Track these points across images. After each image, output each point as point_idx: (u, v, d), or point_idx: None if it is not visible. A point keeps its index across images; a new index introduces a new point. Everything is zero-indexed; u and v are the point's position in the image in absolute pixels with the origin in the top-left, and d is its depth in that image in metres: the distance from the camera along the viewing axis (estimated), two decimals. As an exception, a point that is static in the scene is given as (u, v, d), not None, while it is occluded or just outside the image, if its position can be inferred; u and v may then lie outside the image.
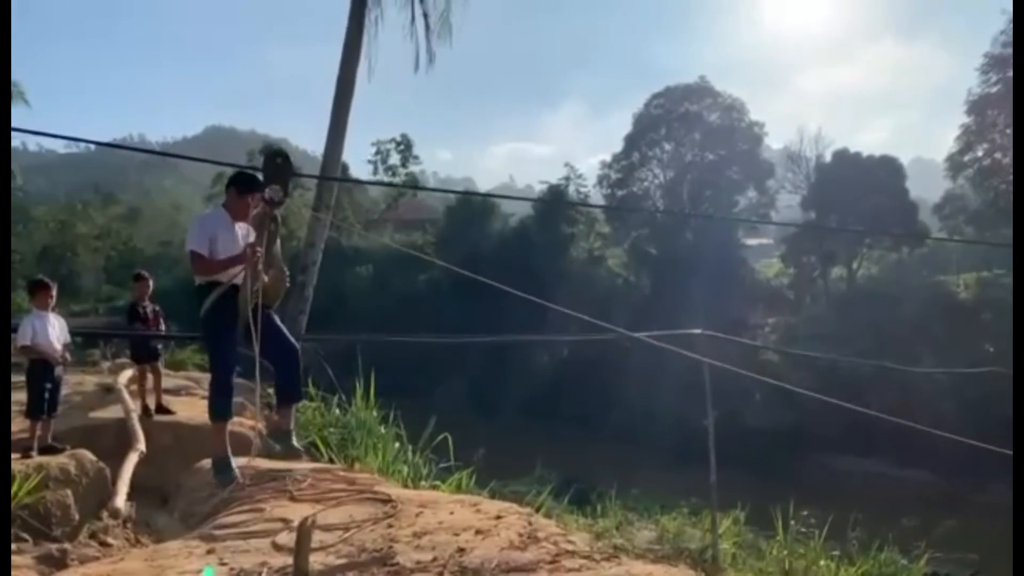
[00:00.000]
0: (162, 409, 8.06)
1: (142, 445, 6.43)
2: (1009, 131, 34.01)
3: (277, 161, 4.83)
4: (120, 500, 5.21)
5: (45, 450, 6.25)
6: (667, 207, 44.00)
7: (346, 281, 39.27)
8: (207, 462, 4.93)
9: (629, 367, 30.50)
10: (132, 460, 5.98)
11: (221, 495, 4.45)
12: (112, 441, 6.92)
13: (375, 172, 48.50)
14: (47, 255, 47.26)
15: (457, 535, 3.46)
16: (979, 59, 36.69)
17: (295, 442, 4.90)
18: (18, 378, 6.47)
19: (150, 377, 8.27)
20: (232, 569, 3.22)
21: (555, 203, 41.58)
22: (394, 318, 33.41)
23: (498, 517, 3.74)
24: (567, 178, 44.50)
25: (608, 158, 46.31)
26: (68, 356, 6.69)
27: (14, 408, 6.34)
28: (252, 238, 4.64)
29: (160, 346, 8.91)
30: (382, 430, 6.63)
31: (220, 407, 4.67)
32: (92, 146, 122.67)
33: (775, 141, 48.15)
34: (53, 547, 5.19)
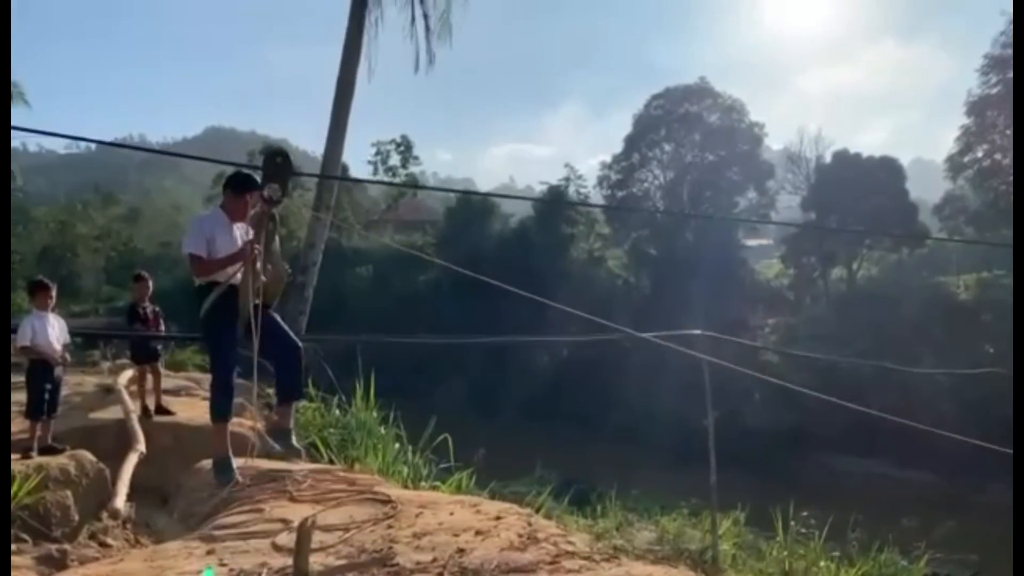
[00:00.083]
0: (162, 410, 8.06)
1: (142, 446, 6.43)
2: (1009, 132, 34.03)
3: (277, 160, 4.83)
4: (120, 501, 5.21)
5: (45, 451, 6.24)
6: (667, 208, 44.03)
7: (346, 282, 39.29)
8: (207, 463, 4.93)
9: (629, 367, 30.52)
10: (132, 461, 5.98)
11: (221, 495, 4.45)
12: (112, 442, 6.91)
13: (375, 173, 48.51)
14: (47, 256, 47.25)
15: (457, 536, 3.46)
16: (979, 60, 36.78)
17: (295, 442, 4.89)
18: (18, 379, 6.47)
19: (150, 378, 8.27)
20: (232, 570, 3.22)
21: (555, 204, 41.58)
22: (394, 319, 33.43)
23: (498, 518, 3.74)
24: (567, 179, 44.59)
25: (608, 159, 46.43)
26: (68, 357, 6.69)
27: (14, 409, 6.34)
28: (251, 237, 4.64)
29: (160, 347, 8.91)
30: (382, 431, 6.63)
31: (221, 407, 4.67)
32: (92, 147, 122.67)
33: (775, 142, 48.27)
34: (53, 548, 5.18)
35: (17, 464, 5.67)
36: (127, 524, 6.20)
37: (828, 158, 42.17)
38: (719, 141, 42.95)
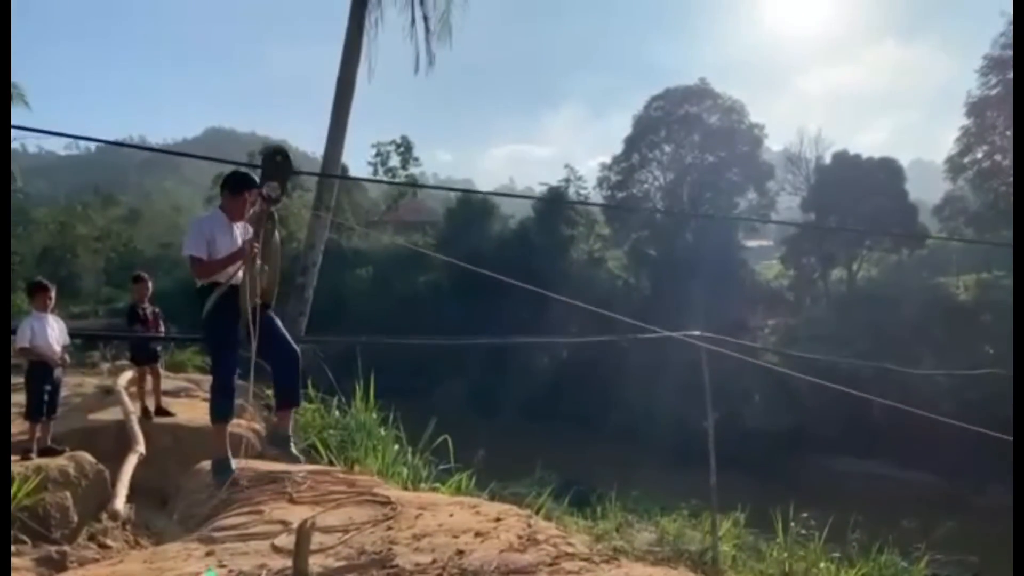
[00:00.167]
0: (161, 411, 8.06)
1: (141, 447, 6.43)
2: (1009, 133, 34.05)
3: (276, 159, 4.82)
4: (119, 502, 5.21)
5: (44, 452, 6.24)
6: (667, 209, 44.04)
7: (346, 283, 39.30)
8: (207, 464, 4.93)
9: (629, 368, 30.54)
10: (131, 462, 5.98)
11: (220, 497, 4.44)
12: (111, 443, 6.92)
13: (375, 174, 48.54)
14: (47, 257, 47.24)
15: (456, 537, 3.46)
16: (979, 61, 36.78)
17: (294, 449, 4.89)
18: (17, 380, 6.47)
19: (149, 379, 8.27)
20: (231, 571, 3.22)
21: (555, 204, 41.59)
22: (394, 319, 33.42)
23: (498, 519, 3.73)
24: (567, 180, 44.64)
25: (608, 160, 46.42)
26: (67, 358, 6.69)
27: (13, 410, 6.34)
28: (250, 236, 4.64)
29: (160, 348, 8.91)
30: (382, 432, 6.63)
31: (221, 408, 4.67)
32: (92, 148, 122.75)
33: (775, 143, 48.28)
34: (52, 549, 5.18)
35: (16, 465, 5.67)
36: (126, 525, 6.21)
37: (828, 159, 42.22)
38: (719, 142, 42.97)
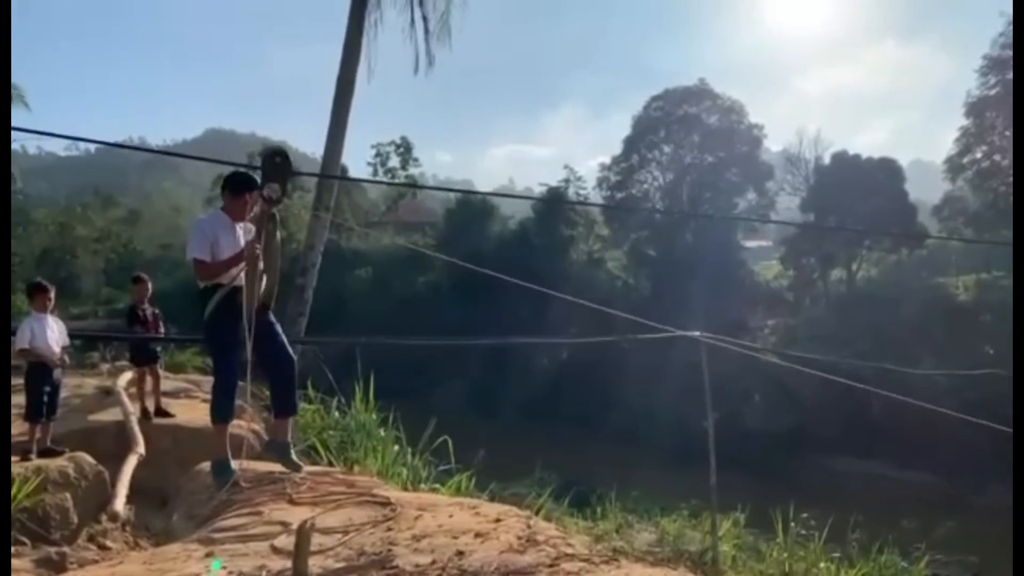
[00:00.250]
0: (161, 412, 8.06)
1: (141, 448, 6.43)
2: (1008, 133, 34.08)
3: (276, 160, 4.82)
4: (119, 503, 5.21)
5: (44, 453, 6.24)
6: (666, 210, 44.05)
7: (346, 283, 39.31)
8: (206, 465, 4.93)
9: (629, 368, 30.55)
10: (131, 463, 5.98)
11: (220, 497, 4.44)
12: (111, 444, 6.92)
13: (375, 174, 48.57)
14: (46, 258, 47.25)
15: (456, 538, 3.46)
16: (978, 61, 36.79)
17: (294, 456, 4.90)
18: (17, 381, 6.47)
19: (149, 380, 8.27)
20: (231, 572, 3.22)
21: (555, 205, 41.60)
22: (394, 320, 33.44)
23: (497, 520, 3.74)
24: (566, 180, 44.63)
25: (608, 160, 46.44)
26: (67, 359, 6.69)
27: (13, 411, 6.33)
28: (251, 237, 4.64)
29: (159, 349, 8.91)
30: (381, 432, 6.62)
31: (221, 409, 4.67)
32: (92, 149, 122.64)
33: (774, 143, 48.30)
34: (52, 550, 5.18)
35: (16, 466, 5.67)
36: (126, 526, 6.21)
37: (827, 159, 42.25)
38: (718, 142, 42.99)
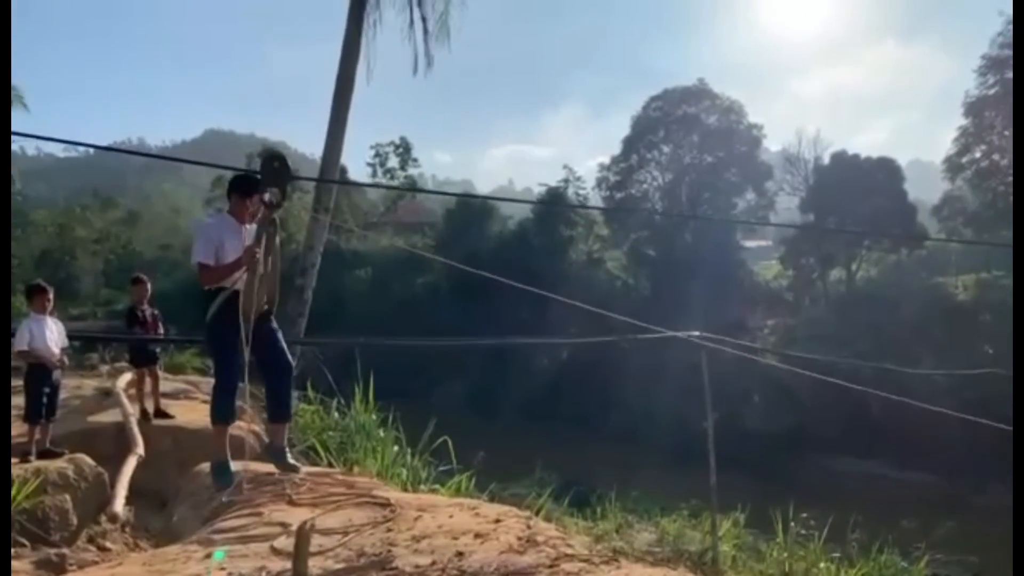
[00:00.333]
0: (160, 413, 8.05)
1: (140, 449, 6.43)
2: (1007, 132, 34.10)
3: (274, 165, 4.82)
4: (119, 504, 5.21)
5: (44, 454, 6.24)
6: (666, 209, 44.07)
7: (345, 284, 39.30)
8: (206, 466, 4.93)
9: (628, 369, 30.55)
10: (131, 464, 5.98)
11: (220, 499, 4.44)
12: (111, 445, 6.92)
13: (374, 175, 48.57)
14: (46, 259, 47.26)
15: (456, 539, 3.45)
16: (977, 61, 36.81)
17: (290, 458, 4.91)
18: (16, 382, 6.47)
19: (148, 381, 8.26)
20: (231, 574, 3.22)
21: (554, 206, 41.60)
22: (393, 321, 33.44)
23: (497, 520, 3.74)
24: (566, 180, 44.60)
25: (607, 160, 46.44)
26: (66, 360, 6.68)
27: (13, 412, 6.33)
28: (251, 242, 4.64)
29: (158, 350, 8.90)
30: (381, 433, 6.61)
31: (222, 410, 4.68)
32: (91, 150, 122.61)
33: (773, 143, 48.27)
34: (51, 552, 5.18)
35: (16, 468, 5.66)
36: (126, 528, 6.20)
37: (826, 159, 42.27)
38: (717, 142, 43.00)
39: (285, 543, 3.42)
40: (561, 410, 33.23)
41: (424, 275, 40.83)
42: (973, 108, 37.35)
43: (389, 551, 3.34)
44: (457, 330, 29.13)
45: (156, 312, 8.46)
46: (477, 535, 3.49)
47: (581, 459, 22.39)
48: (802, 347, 27.37)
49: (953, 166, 39.35)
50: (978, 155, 38.40)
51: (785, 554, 7.19)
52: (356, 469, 5.77)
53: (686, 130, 43.62)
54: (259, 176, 4.83)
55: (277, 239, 4.69)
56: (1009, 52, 32.38)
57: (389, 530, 3.66)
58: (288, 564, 3.15)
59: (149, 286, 8.59)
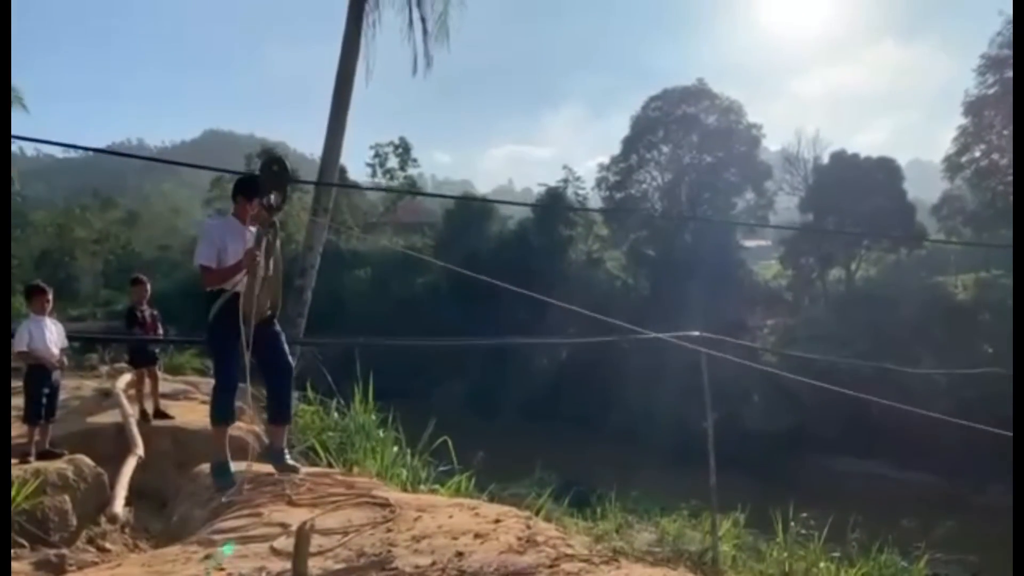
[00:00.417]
0: (160, 414, 8.04)
1: (140, 450, 6.42)
2: (1006, 132, 34.09)
3: (273, 168, 4.83)
4: (118, 505, 5.20)
5: (43, 455, 6.23)
6: (665, 209, 44.08)
7: (344, 284, 39.30)
8: (206, 466, 4.93)
9: (628, 369, 30.55)
10: (130, 465, 5.98)
11: (220, 500, 4.44)
12: (110, 446, 6.91)
13: (373, 175, 48.62)
14: (45, 260, 47.27)
15: (456, 539, 3.45)
16: (977, 61, 36.81)
17: (289, 459, 4.92)
18: (16, 383, 6.46)
19: (148, 381, 8.25)
20: (231, 574, 3.21)
21: (554, 207, 41.62)
22: (393, 321, 33.44)
23: (497, 521, 3.73)
24: (565, 180, 44.63)
25: (607, 160, 46.44)
26: (65, 361, 6.68)
27: (12, 413, 6.32)
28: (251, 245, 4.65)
29: (158, 350, 8.89)
30: (381, 433, 6.61)
31: (222, 410, 4.69)
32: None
33: (773, 143, 48.29)
34: (51, 553, 5.17)
35: (15, 469, 5.66)
36: (125, 529, 6.19)
37: (826, 159, 42.27)
38: (717, 142, 43.01)
39: (285, 543, 3.42)
40: (561, 410, 33.22)
41: (424, 275, 40.82)
42: (973, 108, 37.36)
43: (389, 551, 3.34)
44: (457, 330, 29.15)
45: (155, 313, 8.44)
46: (477, 535, 3.49)
47: (581, 459, 22.39)
48: (802, 347, 27.41)
49: (952, 166, 39.35)
50: (977, 154, 38.41)
51: (785, 554, 7.19)
52: (356, 469, 5.77)
53: (686, 130, 43.63)
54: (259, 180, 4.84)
55: (278, 242, 4.70)
56: (1009, 52, 32.40)
57: (389, 530, 3.66)
58: (288, 564, 3.15)
59: (148, 287, 8.58)
